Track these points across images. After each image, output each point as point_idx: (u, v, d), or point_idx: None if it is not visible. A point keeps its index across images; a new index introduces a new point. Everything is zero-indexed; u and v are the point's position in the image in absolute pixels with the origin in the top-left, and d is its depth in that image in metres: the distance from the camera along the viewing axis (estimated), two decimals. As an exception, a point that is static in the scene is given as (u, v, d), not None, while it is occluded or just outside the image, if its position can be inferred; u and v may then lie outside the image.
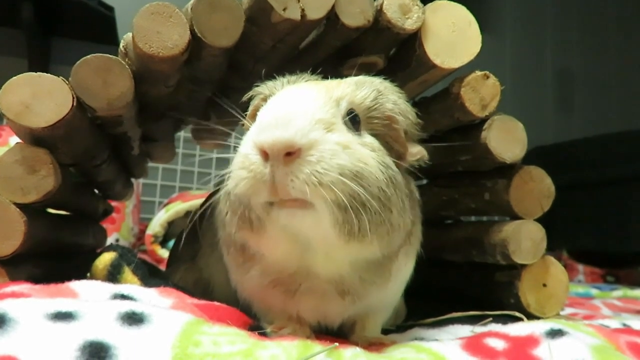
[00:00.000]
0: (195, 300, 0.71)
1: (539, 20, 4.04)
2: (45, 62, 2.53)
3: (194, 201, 2.29)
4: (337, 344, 0.57)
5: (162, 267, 1.42)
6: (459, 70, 0.89)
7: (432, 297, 1.17)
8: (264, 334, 0.63)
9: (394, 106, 0.70)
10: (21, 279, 0.71)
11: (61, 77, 0.75)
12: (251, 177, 0.59)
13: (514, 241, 0.92)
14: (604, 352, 0.58)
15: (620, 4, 4.23)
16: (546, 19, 4.06)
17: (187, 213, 2.23)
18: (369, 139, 0.67)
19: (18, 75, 0.73)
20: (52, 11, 2.37)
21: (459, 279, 1.14)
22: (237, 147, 0.66)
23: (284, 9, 0.78)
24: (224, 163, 0.66)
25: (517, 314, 0.89)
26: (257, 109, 0.72)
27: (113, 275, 0.88)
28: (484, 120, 0.91)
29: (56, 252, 0.98)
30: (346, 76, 0.75)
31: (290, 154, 0.57)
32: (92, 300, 0.58)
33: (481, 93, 0.89)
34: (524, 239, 0.92)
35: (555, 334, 0.64)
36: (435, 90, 0.97)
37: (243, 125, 0.76)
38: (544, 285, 0.95)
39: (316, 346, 0.55)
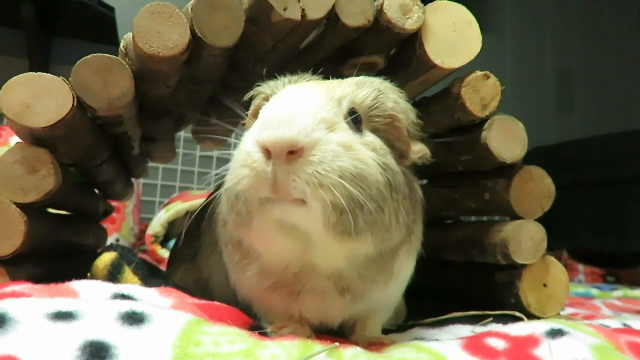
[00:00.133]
0: (196, 300, 0.71)
1: (539, 20, 4.04)
2: (46, 62, 2.53)
3: (194, 201, 2.29)
4: (337, 343, 0.57)
5: (163, 267, 1.42)
6: (459, 70, 0.89)
7: (432, 297, 1.17)
8: (264, 334, 0.63)
9: (394, 105, 0.71)
10: (21, 279, 0.71)
11: (61, 77, 0.75)
12: (253, 175, 0.59)
13: (514, 241, 0.92)
14: (604, 352, 0.58)
15: (620, 4, 4.23)
16: (546, 19, 4.06)
17: (188, 213, 2.23)
18: (370, 137, 0.67)
19: (18, 75, 0.73)
20: (52, 11, 2.36)
21: (459, 279, 1.14)
22: (238, 145, 0.66)
23: (284, 9, 0.78)
24: (225, 163, 0.66)
25: (518, 313, 0.89)
26: (258, 108, 0.72)
27: (113, 275, 0.89)
28: (484, 120, 0.91)
29: (56, 252, 0.98)
30: (347, 76, 0.75)
31: (293, 153, 0.57)
32: (93, 300, 0.58)
33: (481, 93, 0.89)
34: (525, 238, 0.92)
35: (555, 333, 0.64)
36: (436, 90, 0.97)
37: (244, 124, 0.76)
38: (545, 285, 0.95)
39: (316, 346, 0.55)
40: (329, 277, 0.68)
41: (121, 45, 0.82)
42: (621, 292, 1.95)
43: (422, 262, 0.82)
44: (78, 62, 0.75)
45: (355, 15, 0.83)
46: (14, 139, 1.75)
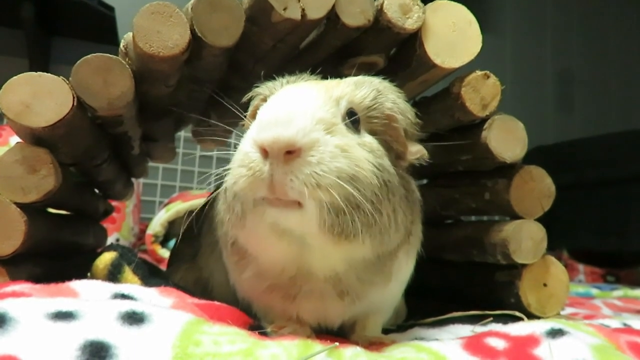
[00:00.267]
0: (196, 300, 0.71)
1: (540, 20, 4.04)
2: (46, 62, 2.53)
3: (194, 201, 2.29)
4: (337, 343, 0.57)
5: (163, 267, 1.42)
6: (459, 70, 0.89)
7: (432, 297, 1.17)
8: (264, 334, 0.63)
9: (393, 105, 0.70)
10: (21, 279, 0.71)
11: (61, 77, 0.75)
12: (250, 175, 0.59)
13: (514, 241, 0.92)
14: (604, 352, 0.58)
15: (620, 5, 4.23)
16: (546, 19, 4.06)
17: (188, 213, 2.23)
18: (368, 138, 0.67)
19: (18, 75, 0.73)
20: (52, 11, 2.36)
21: (459, 279, 1.14)
22: (238, 145, 0.66)
23: (284, 9, 0.78)
24: (224, 163, 0.66)
25: (518, 313, 0.89)
26: (256, 109, 0.72)
27: (113, 274, 0.89)
28: (484, 120, 0.91)
29: (56, 251, 0.98)
30: (346, 76, 0.75)
31: (290, 153, 0.57)
32: (93, 300, 0.58)
33: (481, 93, 0.89)
34: (525, 238, 0.92)
35: (555, 333, 0.64)
36: (436, 90, 0.97)
37: (243, 125, 0.76)
38: (545, 285, 0.95)
39: (316, 345, 0.55)
40: (326, 280, 0.68)
41: (121, 45, 0.82)
42: (621, 292, 1.95)
43: (422, 261, 0.82)
44: (78, 62, 0.75)
45: (355, 15, 0.83)
46: (14, 139, 1.75)
